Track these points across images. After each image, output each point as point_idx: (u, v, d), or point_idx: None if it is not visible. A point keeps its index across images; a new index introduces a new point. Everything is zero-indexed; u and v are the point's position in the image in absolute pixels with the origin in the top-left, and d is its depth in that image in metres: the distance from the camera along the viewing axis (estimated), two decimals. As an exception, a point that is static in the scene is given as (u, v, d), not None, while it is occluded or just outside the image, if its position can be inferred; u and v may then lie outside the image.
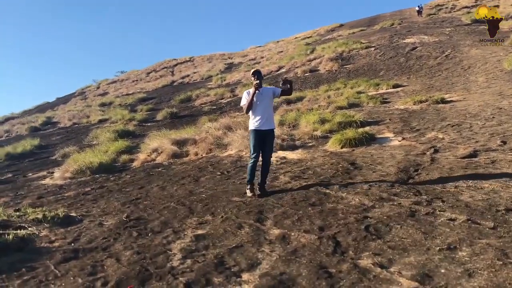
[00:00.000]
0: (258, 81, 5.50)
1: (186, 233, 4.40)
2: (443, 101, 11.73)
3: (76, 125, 22.39)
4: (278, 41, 47.88)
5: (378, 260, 3.26)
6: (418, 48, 22.76)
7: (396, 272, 3.05)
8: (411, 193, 4.81)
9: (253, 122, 5.62)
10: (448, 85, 14.77)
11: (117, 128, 16.10)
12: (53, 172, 10.88)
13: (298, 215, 4.50)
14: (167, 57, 52.37)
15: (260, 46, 48.10)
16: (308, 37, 42.69)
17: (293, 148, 8.66)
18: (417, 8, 38.66)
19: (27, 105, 46.52)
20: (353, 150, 7.78)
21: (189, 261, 3.63)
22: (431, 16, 36.97)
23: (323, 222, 4.21)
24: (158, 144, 10.91)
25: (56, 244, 4.37)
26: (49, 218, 5.10)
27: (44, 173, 11.17)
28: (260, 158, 5.70)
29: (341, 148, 8.00)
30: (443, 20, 33.06)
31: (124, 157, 11.00)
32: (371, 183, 5.41)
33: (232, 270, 3.39)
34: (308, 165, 7.01)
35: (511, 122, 7.99)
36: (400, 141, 7.92)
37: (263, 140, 5.60)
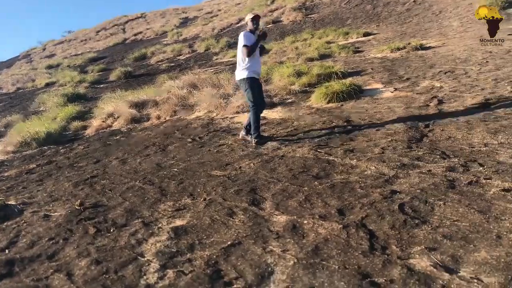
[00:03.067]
0: (263, 31, 5.41)
1: (160, 225, 3.34)
2: (422, 47, 10.97)
3: (21, 90, 20.34)
4: (234, -7, 45.43)
5: (438, 259, 2.33)
6: (384, -6, 21.74)
7: (475, 279, 2.14)
8: (437, 156, 3.89)
9: (253, 70, 5.41)
10: (422, 31, 14.03)
11: (66, 92, 14.43)
12: (-8, 146, 9.42)
13: (304, 192, 3.51)
14: (117, 15, 49.12)
15: (215, -1, 45.58)
16: (265, -12, 40.63)
17: (270, 106, 7.59)
18: None
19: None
20: (342, 105, 6.80)
21: (170, 273, 2.58)
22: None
23: (340, 202, 3.23)
24: (113, 108, 9.58)
25: (-17, 253, 3.22)
26: (-24, 213, 3.90)
27: (-18, 147, 9.68)
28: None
29: (328, 103, 7.00)
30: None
31: (76, 124, 9.66)
32: (382, 145, 4.47)
33: (235, 287, 2.38)
34: (295, 126, 5.98)
35: (509, 66, 7.25)
36: (393, 92, 7.00)
37: (259, 89, 5.55)
